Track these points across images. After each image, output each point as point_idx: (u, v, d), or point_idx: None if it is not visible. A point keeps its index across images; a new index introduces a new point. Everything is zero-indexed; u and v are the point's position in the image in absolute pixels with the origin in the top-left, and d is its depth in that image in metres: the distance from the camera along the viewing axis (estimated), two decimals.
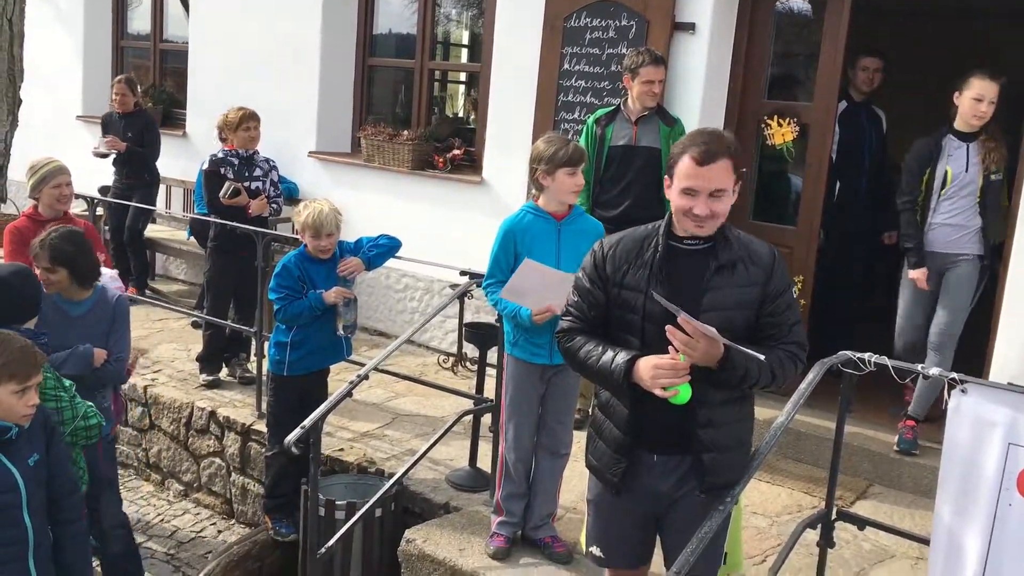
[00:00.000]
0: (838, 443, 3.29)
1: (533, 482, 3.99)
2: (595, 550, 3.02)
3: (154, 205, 7.69)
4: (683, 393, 2.57)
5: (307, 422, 3.73)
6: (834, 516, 3.30)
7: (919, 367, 3.12)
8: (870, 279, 6.37)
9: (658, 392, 2.58)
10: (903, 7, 7.64)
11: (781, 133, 5.42)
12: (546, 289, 3.60)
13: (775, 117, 5.41)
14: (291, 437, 3.72)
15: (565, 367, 3.73)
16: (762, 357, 2.54)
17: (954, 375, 2.94)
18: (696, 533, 2.67)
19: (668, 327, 2.56)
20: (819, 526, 3.28)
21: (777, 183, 5.75)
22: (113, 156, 7.52)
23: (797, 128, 5.37)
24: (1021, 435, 2.84)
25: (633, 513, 2.92)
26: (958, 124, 4.69)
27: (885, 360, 3.06)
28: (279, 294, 4.48)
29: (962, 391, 2.93)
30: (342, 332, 4.63)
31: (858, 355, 3.08)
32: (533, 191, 3.83)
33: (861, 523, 3.40)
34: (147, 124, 7.63)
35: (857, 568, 4.02)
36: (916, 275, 4.76)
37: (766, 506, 4.54)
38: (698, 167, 2.62)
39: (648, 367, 2.60)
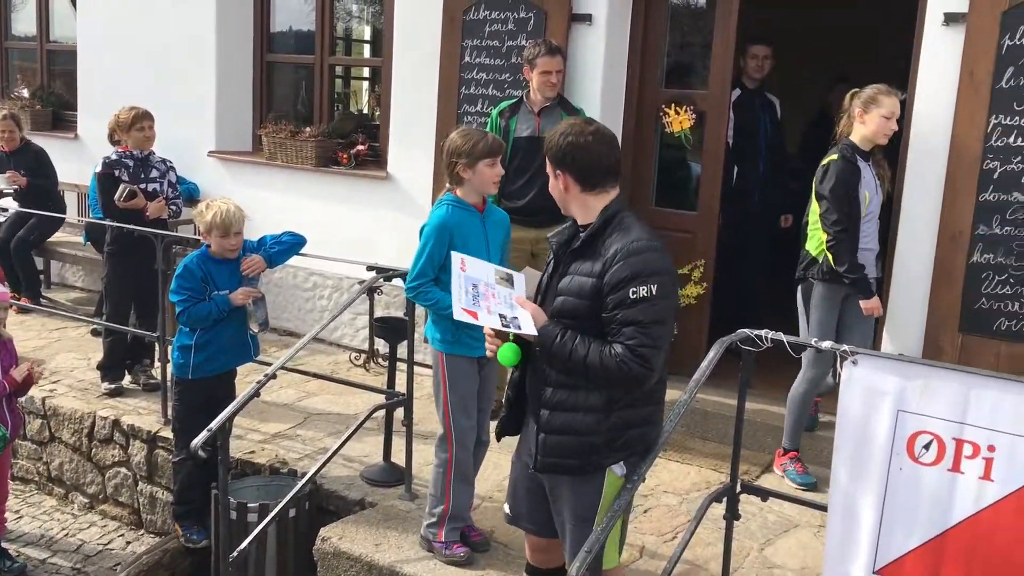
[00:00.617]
0: (740, 419, 3.39)
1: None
2: (506, 507, 3.17)
3: (55, 231, 7.50)
4: (504, 353, 2.82)
5: (213, 425, 3.67)
6: (738, 489, 3.39)
7: (812, 341, 3.23)
8: (772, 259, 6.57)
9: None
10: None
11: (679, 121, 5.54)
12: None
13: (672, 105, 5.52)
14: (197, 441, 3.64)
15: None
16: (531, 332, 2.73)
17: (845, 347, 3.06)
18: (610, 509, 2.74)
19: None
20: (724, 500, 3.37)
21: (677, 170, 5.88)
22: (13, 191, 7.25)
23: (694, 116, 5.50)
24: (909, 402, 2.98)
25: (524, 475, 3.03)
26: (862, 143, 4.41)
27: (781, 336, 3.16)
28: (181, 296, 4.39)
29: (853, 363, 3.06)
30: (257, 330, 4.58)
31: (755, 332, 3.18)
32: (448, 184, 3.81)
33: (764, 494, 3.51)
34: (37, 156, 7.36)
35: (763, 539, 4.16)
36: (873, 305, 4.40)
37: (676, 484, 4.65)
38: None
39: None
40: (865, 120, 4.39)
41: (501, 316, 2.81)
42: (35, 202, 7.15)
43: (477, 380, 3.86)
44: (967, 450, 2.84)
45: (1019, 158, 4.27)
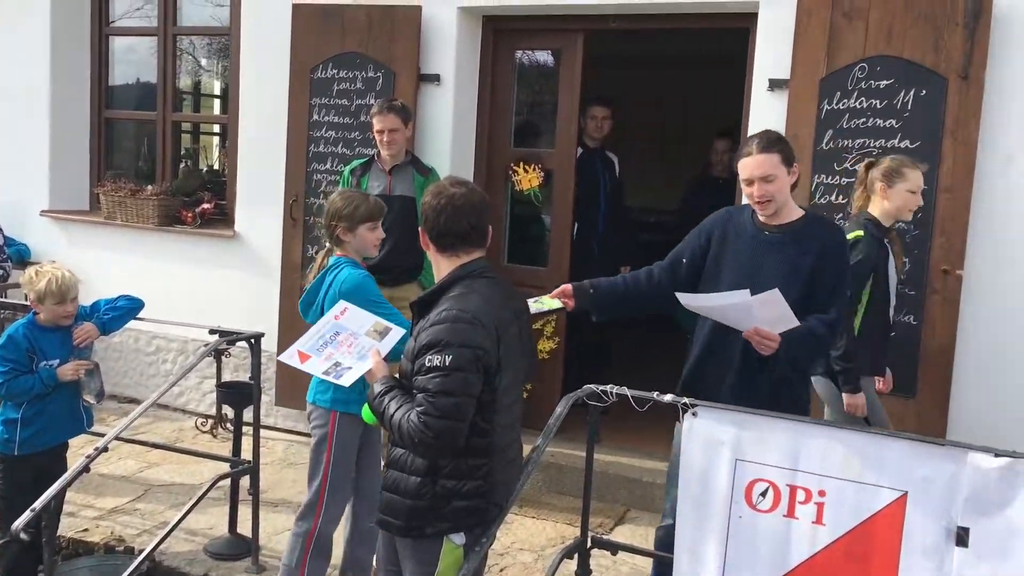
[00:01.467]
0: (588, 473, 3.43)
1: (356, 537, 3.90)
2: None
3: None
4: (366, 411, 2.87)
5: (37, 504, 3.41)
6: (589, 544, 3.42)
7: (654, 394, 3.31)
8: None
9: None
10: (624, 58, 8.23)
11: (528, 179, 5.66)
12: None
13: (521, 164, 5.64)
14: (18, 522, 3.38)
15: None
16: (339, 381, 2.84)
17: (685, 400, 3.15)
18: None
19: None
20: (576, 555, 3.38)
21: (527, 226, 5.97)
22: None
23: (542, 173, 5.63)
24: (746, 451, 3.09)
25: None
26: (883, 218, 4.06)
27: (624, 390, 3.22)
28: (2, 368, 4.10)
29: (693, 414, 3.15)
30: (93, 401, 4.32)
31: (601, 388, 3.23)
32: (328, 245, 3.83)
33: (614, 548, 3.54)
34: None
35: None
36: (858, 401, 4.00)
37: (532, 541, 4.64)
38: None
39: None
40: (889, 195, 4.03)
41: (337, 364, 2.78)
42: None
43: (357, 443, 3.80)
44: (800, 496, 2.96)
45: (840, 215, 4.55)
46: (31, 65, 6.79)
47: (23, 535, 3.42)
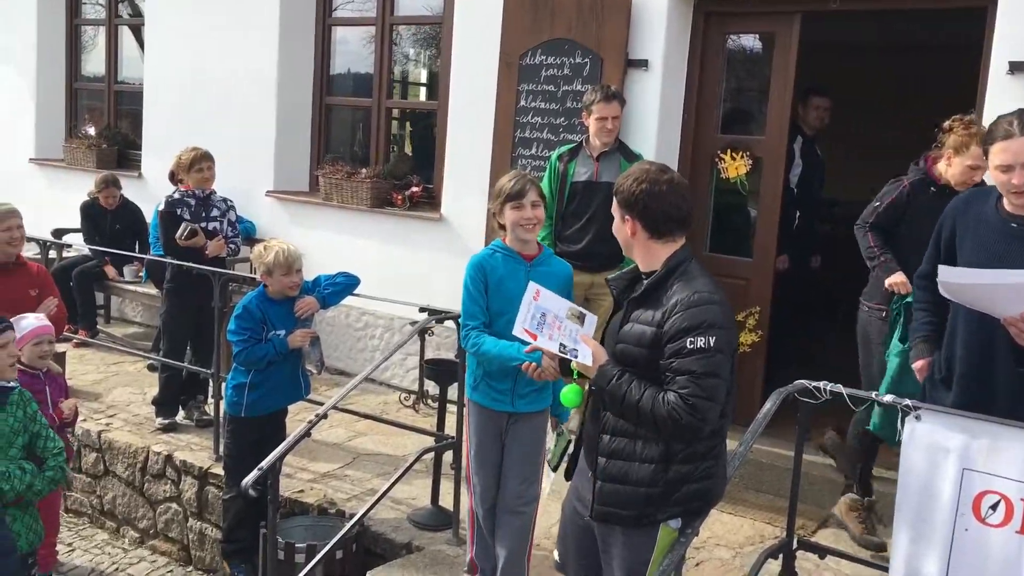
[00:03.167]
0: (797, 472, 3.31)
1: (495, 539, 3.84)
2: (555, 553, 3.13)
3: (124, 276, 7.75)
4: (567, 393, 2.84)
5: (264, 463, 3.68)
6: (795, 546, 3.31)
7: (873, 394, 3.15)
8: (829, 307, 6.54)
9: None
10: (849, 42, 7.84)
11: (735, 167, 5.51)
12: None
13: (728, 151, 5.50)
14: (248, 479, 3.65)
15: (524, 416, 3.71)
16: (586, 361, 2.74)
17: (907, 401, 2.98)
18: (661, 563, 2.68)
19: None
20: (780, 556, 3.28)
21: (732, 215, 5.83)
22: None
23: (750, 161, 5.46)
24: (975, 460, 2.89)
25: (586, 528, 2.96)
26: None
27: (840, 388, 3.09)
28: (241, 336, 4.43)
29: (916, 418, 2.97)
30: (313, 370, 4.61)
31: (813, 384, 3.11)
32: (499, 230, 3.82)
33: (822, 552, 3.41)
34: (134, 213, 7.74)
35: None
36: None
37: (729, 537, 4.54)
38: None
39: None
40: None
41: (562, 345, 2.79)
42: (124, 258, 7.46)
43: (501, 435, 3.76)
44: None
45: None
46: (261, 58, 7.28)
47: (251, 491, 3.69)
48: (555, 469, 3.62)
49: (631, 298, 2.81)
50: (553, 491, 4.02)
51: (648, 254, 2.83)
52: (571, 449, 3.25)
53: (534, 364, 3.37)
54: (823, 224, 6.21)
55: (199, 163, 5.72)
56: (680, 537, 2.76)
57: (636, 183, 2.79)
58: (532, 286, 2.98)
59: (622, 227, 2.84)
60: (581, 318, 3.00)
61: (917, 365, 3.54)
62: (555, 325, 2.92)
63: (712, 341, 2.61)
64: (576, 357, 2.76)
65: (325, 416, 4.13)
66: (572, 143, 5.32)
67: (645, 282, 2.81)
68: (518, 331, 2.79)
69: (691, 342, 2.61)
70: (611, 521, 2.80)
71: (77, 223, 7.75)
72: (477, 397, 3.76)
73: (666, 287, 2.73)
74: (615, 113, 5.04)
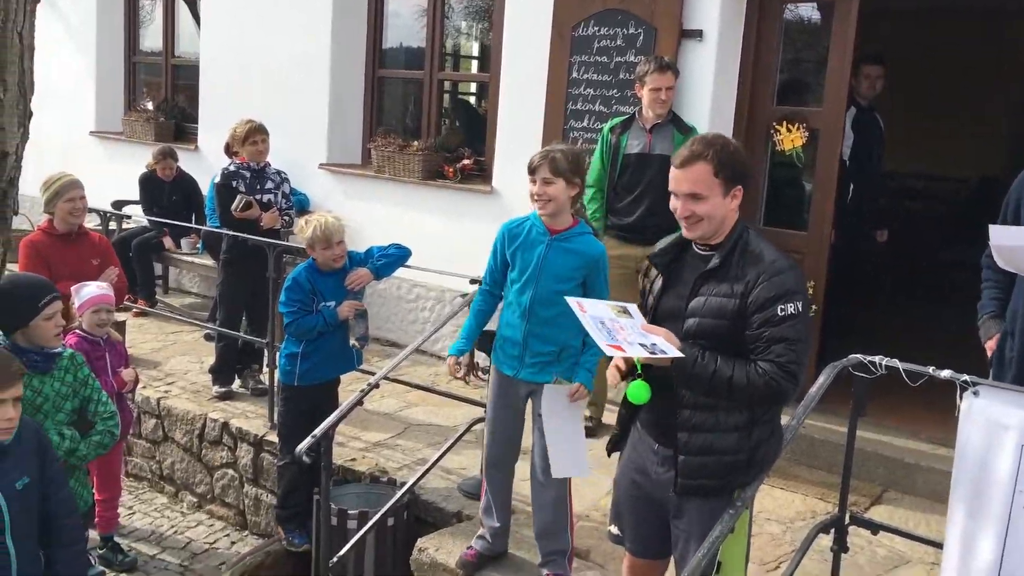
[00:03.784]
0: (850, 446, 3.27)
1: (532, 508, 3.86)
2: (613, 528, 3.12)
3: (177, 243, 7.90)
4: (635, 391, 2.74)
5: (318, 431, 3.75)
6: (847, 521, 3.27)
7: (930, 369, 3.09)
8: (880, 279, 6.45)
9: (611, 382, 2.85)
10: (910, 6, 7.64)
11: (791, 139, 5.42)
12: None
13: (784, 123, 5.40)
14: (302, 446, 3.73)
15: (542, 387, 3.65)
16: (676, 354, 2.64)
17: (966, 377, 2.92)
18: (708, 537, 2.68)
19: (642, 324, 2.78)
20: (832, 531, 3.25)
21: (787, 188, 5.74)
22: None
23: (807, 133, 5.37)
24: None
25: (646, 500, 2.98)
26: None
27: (896, 363, 3.03)
28: (290, 308, 4.50)
29: (974, 393, 2.91)
30: (355, 344, 4.64)
31: (868, 358, 3.06)
32: None
33: (875, 527, 3.37)
34: (190, 184, 7.89)
35: (872, 573, 3.99)
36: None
37: (780, 512, 4.51)
38: (674, 170, 2.78)
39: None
40: None
41: (641, 345, 2.76)
42: (181, 230, 7.66)
43: (517, 401, 3.76)
44: None
45: None
46: (314, 31, 7.31)
47: (305, 458, 3.76)
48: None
49: (704, 271, 2.77)
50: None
51: (725, 225, 2.81)
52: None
53: (452, 358, 3.66)
54: (879, 199, 6.06)
55: (253, 136, 5.78)
56: (737, 502, 2.78)
57: (736, 152, 2.78)
58: (572, 302, 2.91)
59: (724, 202, 2.75)
60: (626, 311, 2.96)
61: (987, 344, 3.50)
62: (616, 328, 2.88)
63: (800, 307, 2.68)
64: (663, 352, 2.68)
65: (377, 386, 4.19)
66: (624, 115, 5.28)
67: (717, 255, 2.77)
68: (606, 350, 2.70)
69: (781, 309, 2.65)
70: (697, 493, 2.80)
71: (136, 195, 7.91)
72: (494, 359, 3.82)
73: (735, 256, 2.74)
74: (669, 84, 4.99)
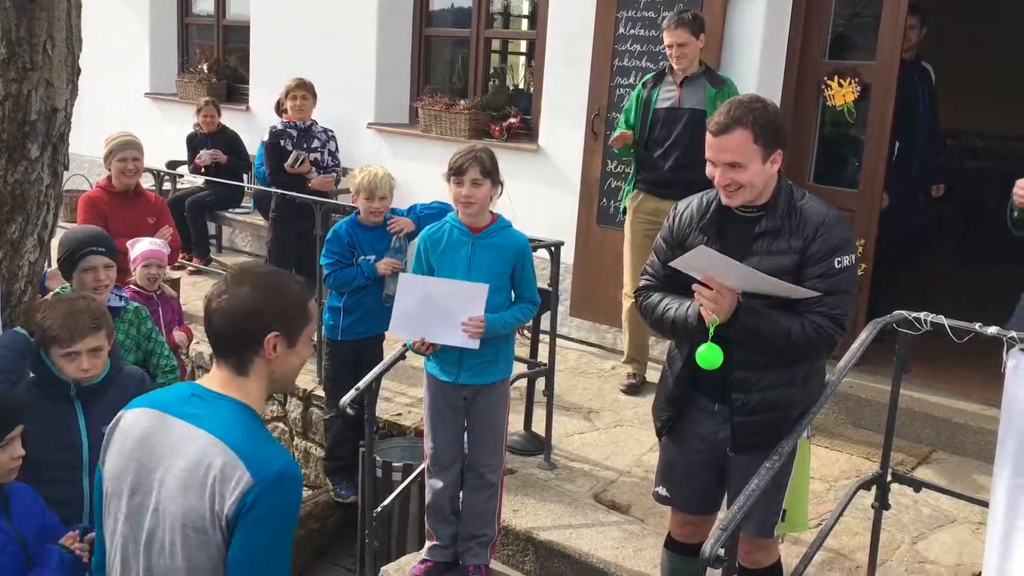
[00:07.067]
0: (894, 402, 3.23)
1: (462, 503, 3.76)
2: (660, 489, 3.11)
3: (232, 204, 7.98)
4: (708, 355, 2.69)
5: (361, 384, 3.80)
6: (889, 478, 3.25)
7: (976, 326, 3.03)
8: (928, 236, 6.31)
9: (706, 316, 2.70)
10: None
11: (842, 94, 5.29)
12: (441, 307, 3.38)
13: (835, 77, 5.28)
14: (345, 399, 3.79)
15: (482, 388, 3.57)
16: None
17: (1012, 334, 2.86)
18: (744, 491, 2.67)
19: (694, 285, 2.70)
20: (874, 487, 3.23)
21: (838, 145, 5.62)
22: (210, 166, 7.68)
23: (859, 88, 5.24)
24: None
25: (696, 459, 2.98)
26: None
27: (941, 319, 2.99)
28: (329, 259, 4.56)
29: (1021, 350, 2.85)
30: (387, 302, 4.70)
31: (913, 314, 3.02)
32: None
33: (916, 484, 3.34)
34: (232, 140, 7.92)
35: (915, 532, 3.96)
36: None
37: (824, 471, 4.48)
38: (712, 137, 2.72)
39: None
40: None
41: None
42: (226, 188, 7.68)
43: (456, 402, 3.60)
44: None
45: None
46: None
47: (349, 410, 3.83)
48: None
49: (759, 231, 2.75)
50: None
51: (768, 185, 2.77)
52: None
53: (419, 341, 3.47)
54: (939, 157, 5.90)
55: (293, 91, 5.85)
56: (771, 458, 2.76)
57: (778, 113, 2.76)
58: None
59: (764, 168, 2.70)
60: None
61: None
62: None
63: (853, 258, 2.72)
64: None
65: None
66: (660, 70, 5.21)
67: (768, 214, 2.75)
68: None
69: (838, 262, 2.69)
70: (759, 449, 2.79)
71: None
72: (429, 367, 3.66)
73: (786, 213, 2.74)
74: (681, 40, 4.86)
